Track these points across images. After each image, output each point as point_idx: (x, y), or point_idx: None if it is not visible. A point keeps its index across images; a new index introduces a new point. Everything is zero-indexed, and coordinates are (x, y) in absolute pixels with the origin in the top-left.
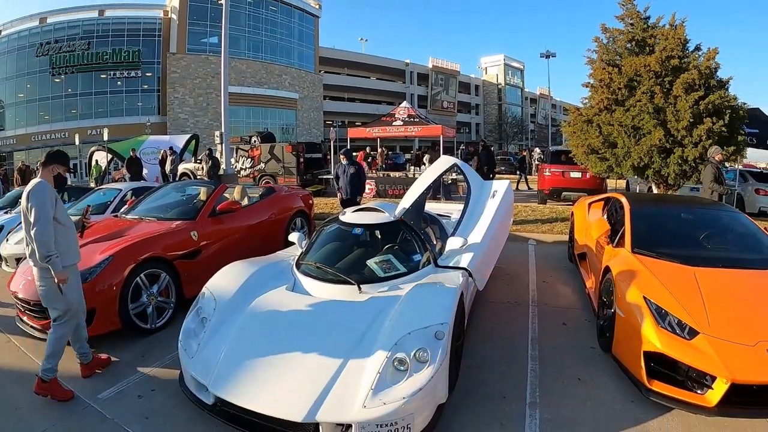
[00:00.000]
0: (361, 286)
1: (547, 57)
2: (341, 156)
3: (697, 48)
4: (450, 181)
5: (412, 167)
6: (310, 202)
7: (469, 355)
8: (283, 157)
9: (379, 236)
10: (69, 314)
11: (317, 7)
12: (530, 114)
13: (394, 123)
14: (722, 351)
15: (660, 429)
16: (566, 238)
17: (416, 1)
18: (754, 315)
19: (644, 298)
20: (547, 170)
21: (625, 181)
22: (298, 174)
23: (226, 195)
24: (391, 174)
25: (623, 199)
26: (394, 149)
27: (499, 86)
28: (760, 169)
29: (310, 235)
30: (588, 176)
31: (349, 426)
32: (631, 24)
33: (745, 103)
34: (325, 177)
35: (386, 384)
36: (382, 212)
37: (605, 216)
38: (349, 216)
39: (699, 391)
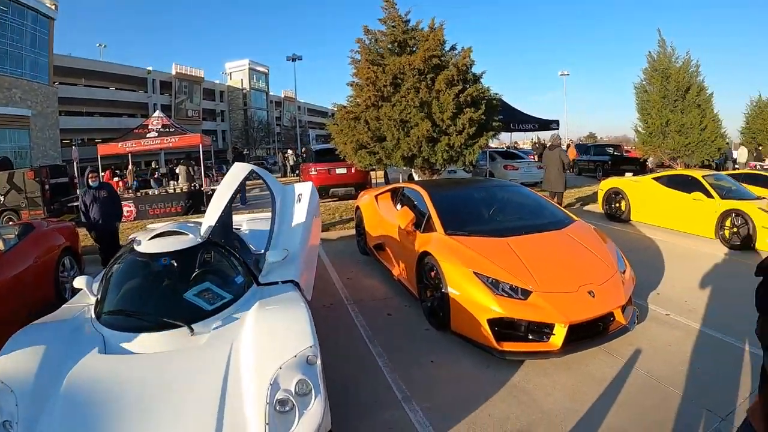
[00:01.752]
0: (192, 326)
1: (294, 60)
2: (88, 177)
3: (453, 48)
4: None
5: (171, 182)
6: (76, 235)
7: None
8: (24, 185)
9: (189, 263)
10: None
11: (53, 7)
12: (276, 117)
13: (148, 135)
14: (554, 302)
15: (522, 381)
16: (351, 232)
17: (157, 3)
18: (568, 267)
19: (474, 273)
20: (313, 169)
21: (382, 172)
22: (45, 204)
23: None
24: (150, 192)
25: (419, 188)
26: (139, 165)
27: (244, 91)
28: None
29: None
30: (354, 171)
31: None
32: (393, 26)
33: (497, 94)
34: (75, 204)
35: (281, 430)
36: (186, 234)
37: (398, 206)
38: (148, 245)
39: (544, 340)
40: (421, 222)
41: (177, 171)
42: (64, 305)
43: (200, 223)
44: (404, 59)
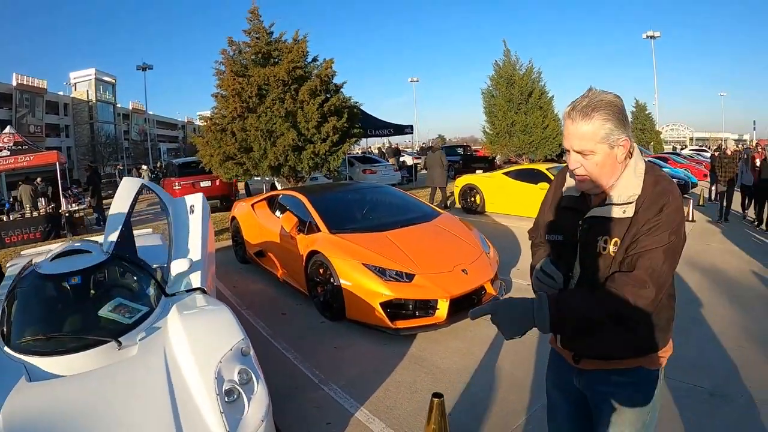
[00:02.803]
0: (119, 340)
1: (144, 69)
2: None
3: (315, 59)
4: None
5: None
6: None
7: None
8: None
9: (97, 280)
10: None
11: None
12: (123, 131)
13: (0, 154)
14: (435, 281)
15: (418, 350)
16: (226, 243)
17: None
18: (442, 251)
19: (363, 264)
20: (177, 184)
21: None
22: None
23: None
24: (3, 218)
25: (298, 194)
26: None
27: (90, 103)
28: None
29: None
30: (218, 183)
31: None
32: (257, 38)
33: (357, 102)
34: None
35: (236, 419)
36: (89, 252)
37: (277, 212)
38: (51, 265)
39: (431, 314)
40: (304, 225)
41: (18, 193)
42: None
43: (97, 242)
44: (269, 70)
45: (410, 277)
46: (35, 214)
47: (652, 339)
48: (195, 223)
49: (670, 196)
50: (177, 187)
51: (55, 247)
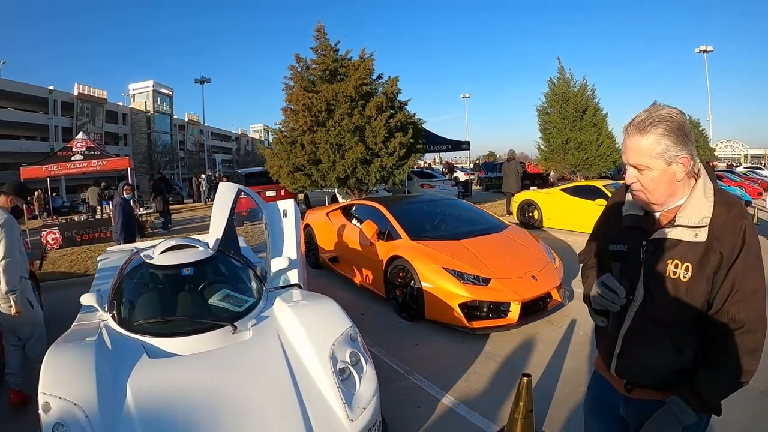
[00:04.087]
0: (234, 324)
1: (202, 82)
2: (123, 190)
3: (380, 77)
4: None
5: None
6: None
7: None
8: None
9: (205, 273)
10: (36, 335)
11: None
12: (179, 141)
13: (73, 158)
14: (509, 286)
15: (492, 348)
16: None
17: (59, 19)
18: (513, 259)
19: (444, 268)
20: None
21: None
22: None
23: None
24: (75, 218)
25: (376, 204)
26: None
27: (148, 114)
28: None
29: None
30: (283, 194)
31: None
32: (324, 55)
33: (421, 119)
34: None
35: (350, 393)
36: (197, 247)
37: (353, 221)
38: (162, 257)
39: (503, 316)
40: (383, 233)
41: (86, 195)
42: (73, 324)
43: (198, 240)
44: (337, 86)
45: (486, 281)
46: (105, 216)
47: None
48: (289, 226)
49: (745, 220)
50: (243, 197)
51: (163, 242)
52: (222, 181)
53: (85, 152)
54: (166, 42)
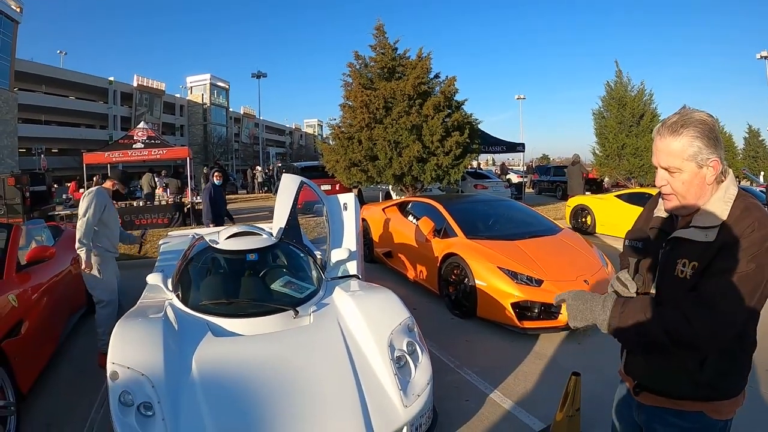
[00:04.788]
0: (296, 309)
1: (258, 77)
2: (213, 176)
3: (437, 76)
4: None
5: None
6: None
7: None
8: (4, 192)
9: (269, 259)
10: (106, 301)
11: (18, 10)
12: (234, 133)
13: (134, 146)
14: (561, 288)
15: (541, 348)
16: None
17: (119, 11)
18: (566, 262)
19: (499, 267)
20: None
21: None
22: (24, 212)
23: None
24: (134, 203)
25: (433, 202)
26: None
27: (205, 106)
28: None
29: None
30: (338, 188)
31: (401, 429)
32: (383, 53)
33: (477, 120)
34: (55, 213)
35: (406, 381)
36: (261, 234)
37: (409, 218)
38: (228, 242)
39: (553, 318)
40: (439, 230)
41: (140, 182)
42: (139, 301)
43: (262, 228)
44: (395, 84)
45: (539, 282)
46: (163, 202)
47: (716, 381)
48: (349, 219)
49: (756, 223)
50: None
51: (228, 228)
52: (279, 173)
53: (146, 141)
54: (224, 36)
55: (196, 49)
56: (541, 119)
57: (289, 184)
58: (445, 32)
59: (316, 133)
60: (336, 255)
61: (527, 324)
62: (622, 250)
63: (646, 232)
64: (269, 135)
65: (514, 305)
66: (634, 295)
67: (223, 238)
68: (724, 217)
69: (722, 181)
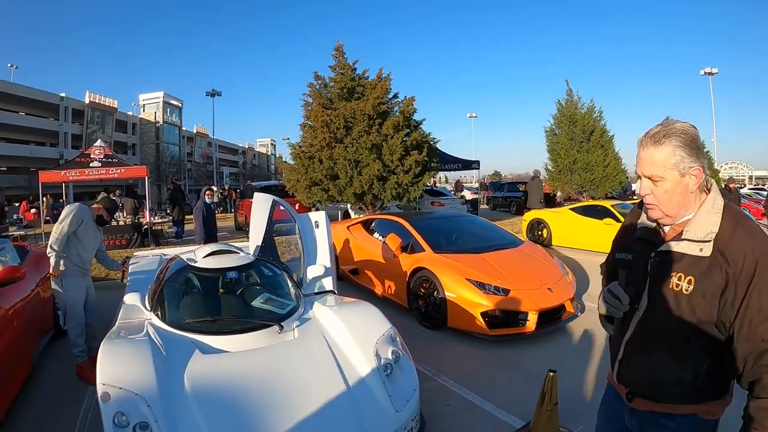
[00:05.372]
0: (281, 324)
1: (213, 95)
2: (205, 194)
3: (395, 96)
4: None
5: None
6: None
7: None
8: None
9: (246, 277)
10: (68, 312)
11: None
12: (187, 152)
13: (91, 165)
14: (527, 296)
15: (511, 355)
16: None
17: (71, 25)
18: (530, 272)
19: (467, 279)
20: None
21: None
22: None
23: None
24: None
25: (398, 219)
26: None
27: (158, 125)
28: None
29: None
30: (297, 207)
31: None
32: (342, 73)
33: (435, 139)
34: (9, 234)
35: (394, 386)
36: (238, 252)
37: (375, 235)
38: (207, 261)
39: (521, 325)
40: (406, 246)
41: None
42: (118, 322)
43: (237, 247)
44: (355, 104)
45: (506, 291)
46: (120, 222)
47: (709, 385)
48: (321, 236)
49: (752, 240)
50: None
51: (204, 247)
52: (230, 193)
53: (103, 159)
54: (178, 54)
55: (149, 66)
56: (493, 137)
57: (262, 203)
58: (396, 52)
59: (269, 153)
60: (312, 272)
61: (497, 332)
62: (604, 263)
63: (633, 243)
64: (222, 154)
65: (484, 314)
66: (628, 307)
67: (200, 256)
68: (716, 230)
69: (707, 192)
